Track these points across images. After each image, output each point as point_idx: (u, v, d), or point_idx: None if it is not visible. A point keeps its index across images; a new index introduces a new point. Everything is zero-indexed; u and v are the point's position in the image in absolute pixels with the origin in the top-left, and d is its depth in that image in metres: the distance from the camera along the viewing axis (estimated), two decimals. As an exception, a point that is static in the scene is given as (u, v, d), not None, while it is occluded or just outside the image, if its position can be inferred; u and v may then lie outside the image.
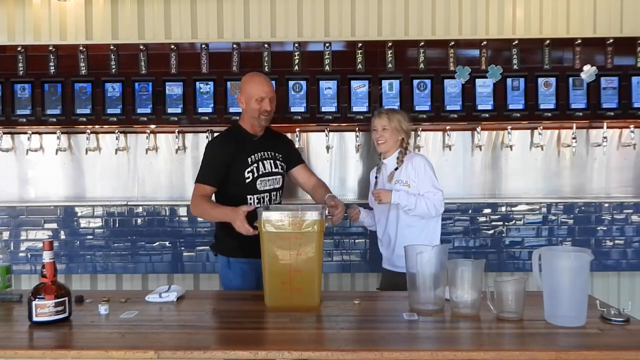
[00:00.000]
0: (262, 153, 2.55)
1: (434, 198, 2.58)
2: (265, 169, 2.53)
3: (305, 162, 2.78)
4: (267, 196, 2.54)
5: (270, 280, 2.05)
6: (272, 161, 2.56)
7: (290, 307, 2.01)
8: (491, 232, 3.39)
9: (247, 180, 2.49)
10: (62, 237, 3.42)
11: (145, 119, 3.32)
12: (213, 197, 2.53)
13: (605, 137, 3.30)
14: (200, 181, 2.49)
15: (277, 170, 2.59)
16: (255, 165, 2.51)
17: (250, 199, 2.51)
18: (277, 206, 2.44)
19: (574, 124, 3.32)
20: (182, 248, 3.39)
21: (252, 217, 2.16)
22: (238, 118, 3.27)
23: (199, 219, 3.36)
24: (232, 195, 2.49)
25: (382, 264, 2.82)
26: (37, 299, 1.84)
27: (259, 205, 2.48)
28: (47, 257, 1.87)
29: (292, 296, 2.03)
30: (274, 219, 2.02)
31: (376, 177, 2.82)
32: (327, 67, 3.32)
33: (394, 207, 2.64)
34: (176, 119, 3.32)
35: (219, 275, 2.64)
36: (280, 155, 2.62)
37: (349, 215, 2.76)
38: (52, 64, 3.34)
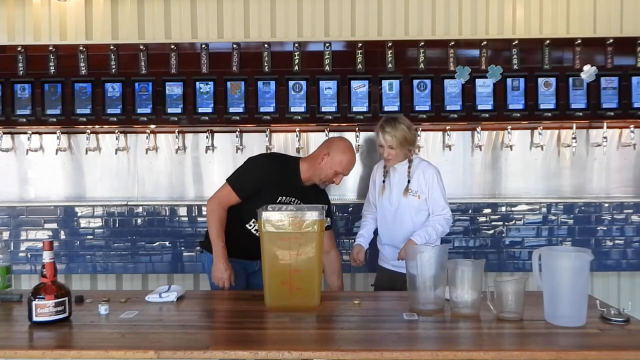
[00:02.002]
0: (292, 198, 2.53)
1: (444, 214, 2.63)
2: None
3: (332, 230, 2.72)
4: None
5: (270, 280, 2.05)
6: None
7: (290, 307, 2.01)
8: (491, 232, 3.39)
9: None
10: (62, 237, 3.42)
11: (145, 119, 3.32)
12: None
13: (605, 137, 3.30)
14: (234, 188, 2.49)
15: None
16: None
17: (251, 224, 2.54)
18: (277, 206, 2.42)
19: (574, 124, 3.31)
20: (182, 248, 3.39)
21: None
22: (238, 119, 3.31)
23: (199, 218, 3.38)
24: (239, 213, 2.51)
25: (378, 261, 2.87)
26: (37, 299, 1.84)
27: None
28: (47, 257, 1.87)
29: (292, 296, 2.03)
30: (274, 219, 2.02)
31: (383, 182, 2.75)
32: (327, 67, 3.32)
33: (398, 210, 2.67)
34: (176, 119, 3.32)
35: (208, 274, 2.65)
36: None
37: (353, 261, 2.78)
38: (52, 64, 3.33)
